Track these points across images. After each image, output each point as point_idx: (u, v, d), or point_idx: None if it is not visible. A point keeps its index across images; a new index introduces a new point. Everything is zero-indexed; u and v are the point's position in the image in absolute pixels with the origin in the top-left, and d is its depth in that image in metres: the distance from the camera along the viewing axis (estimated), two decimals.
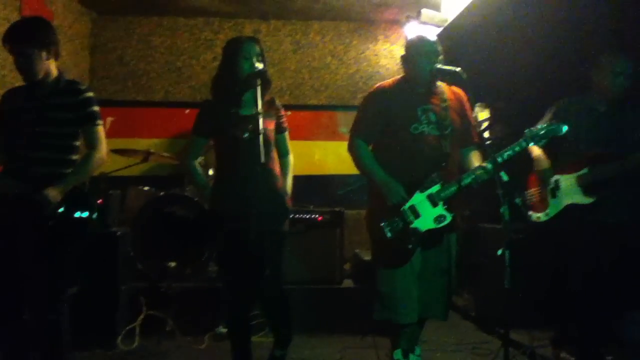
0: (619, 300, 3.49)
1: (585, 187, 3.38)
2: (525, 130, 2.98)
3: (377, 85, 3.24)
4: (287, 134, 3.18)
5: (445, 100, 3.10)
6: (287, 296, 3.11)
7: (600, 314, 3.43)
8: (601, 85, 3.45)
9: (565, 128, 2.93)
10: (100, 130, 2.97)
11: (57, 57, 2.95)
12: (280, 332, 3.17)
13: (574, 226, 3.40)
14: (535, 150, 3.57)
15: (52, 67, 2.92)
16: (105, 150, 2.97)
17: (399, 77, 3.23)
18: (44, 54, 2.86)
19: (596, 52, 3.57)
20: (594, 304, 3.38)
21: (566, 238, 3.47)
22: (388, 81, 3.22)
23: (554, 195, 3.51)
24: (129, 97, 6.05)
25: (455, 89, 3.20)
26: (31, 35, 2.84)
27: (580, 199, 3.39)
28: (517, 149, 2.93)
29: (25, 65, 2.84)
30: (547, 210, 3.53)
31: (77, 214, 2.85)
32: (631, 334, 3.77)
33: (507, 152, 2.92)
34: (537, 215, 3.59)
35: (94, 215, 2.94)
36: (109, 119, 5.85)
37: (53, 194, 2.76)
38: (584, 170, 3.39)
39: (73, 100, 2.89)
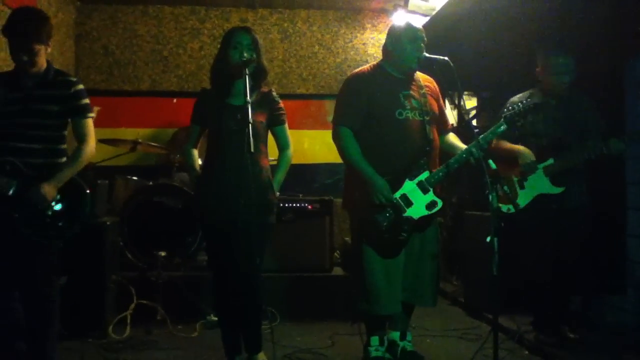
0: (579, 282, 3.68)
1: (552, 176, 3.52)
2: (503, 113, 3.12)
3: (355, 71, 3.23)
4: (286, 126, 3.16)
5: (422, 87, 3.14)
6: (261, 303, 3.09)
7: (564, 295, 3.65)
8: (546, 83, 3.62)
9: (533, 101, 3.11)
10: (90, 123, 2.96)
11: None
12: (250, 334, 3.12)
13: (542, 214, 3.54)
14: (512, 145, 3.66)
15: (45, 58, 2.89)
16: (94, 142, 2.97)
17: (373, 63, 3.23)
18: (46, 49, 2.84)
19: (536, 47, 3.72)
20: (559, 286, 3.58)
21: (535, 226, 3.59)
22: (364, 67, 3.22)
23: (522, 187, 3.62)
24: (115, 86, 5.99)
25: (427, 77, 3.24)
26: (39, 31, 2.78)
27: (550, 188, 3.53)
28: (498, 131, 3.02)
29: (29, 60, 2.77)
30: (517, 201, 3.61)
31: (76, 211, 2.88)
32: (607, 317, 3.93)
33: (489, 135, 3.00)
34: (507, 207, 3.64)
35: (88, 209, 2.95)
36: (96, 109, 5.78)
37: (48, 189, 2.76)
38: (550, 161, 3.54)
39: (64, 93, 2.87)
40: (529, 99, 3.23)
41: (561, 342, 3.53)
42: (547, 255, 3.60)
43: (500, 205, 3.58)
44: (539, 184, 3.55)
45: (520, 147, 3.61)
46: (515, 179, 3.63)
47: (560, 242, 3.55)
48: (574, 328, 3.64)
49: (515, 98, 3.65)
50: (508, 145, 3.67)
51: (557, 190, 3.51)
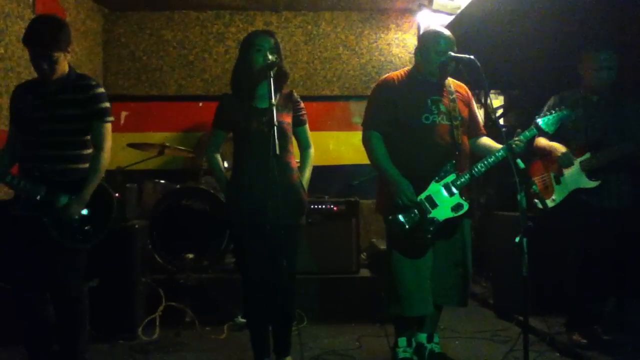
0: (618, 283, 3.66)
1: (589, 171, 3.50)
2: (536, 118, 3.13)
3: (385, 76, 3.27)
4: (307, 126, 3.18)
5: (452, 93, 3.16)
6: (287, 304, 3.07)
7: (598, 296, 3.59)
8: (587, 80, 3.60)
9: (572, 112, 3.20)
10: (108, 127, 2.97)
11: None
12: (280, 336, 3.13)
13: (580, 211, 3.51)
14: (545, 140, 3.64)
15: (66, 64, 2.94)
16: (110, 147, 2.97)
17: (406, 68, 3.26)
18: (66, 55, 2.88)
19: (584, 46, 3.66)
20: (594, 286, 3.51)
21: (573, 223, 3.56)
22: (395, 72, 3.25)
23: (558, 182, 3.63)
24: (142, 91, 6.08)
25: (459, 82, 3.25)
26: (57, 39, 2.81)
27: (586, 182, 3.51)
28: (528, 135, 3.03)
29: (49, 68, 2.82)
30: (553, 197, 3.63)
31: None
32: None
33: (521, 139, 2.98)
34: (540, 202, 3.62)
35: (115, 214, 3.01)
36: (124, 114, 5.91)
37: (76, 207, 2.83)
38: (586, 156, 3.52)
39: (83, 97, 2.90)
40: (562, 106, 3.24)
41: (594, 344, 3.47)
42: (582, 254, 3.54)
43: (535, 201, 3.57)
44: (575, 179, 3.53)
45: (554, 144, 3.60)
46: (552, 174, 3.65)
47: (596, 241, 3.47)
48: (607, 330, 3.58)
49: (559, 97, 3.66)
50: (545, 142, 3.66)
51: (593, 184, 3.47)
